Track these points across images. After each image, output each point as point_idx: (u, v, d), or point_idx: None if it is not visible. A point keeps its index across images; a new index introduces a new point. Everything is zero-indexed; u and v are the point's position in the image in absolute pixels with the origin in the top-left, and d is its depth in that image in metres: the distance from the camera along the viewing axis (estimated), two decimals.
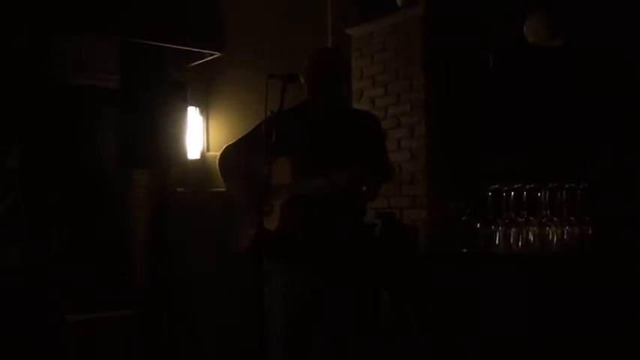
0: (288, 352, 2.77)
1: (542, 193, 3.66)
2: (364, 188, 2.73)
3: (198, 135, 5.21)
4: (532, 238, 3.66)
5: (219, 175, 2.99)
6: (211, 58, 5.06)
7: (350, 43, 4.50)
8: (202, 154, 5.16)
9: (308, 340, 2.79)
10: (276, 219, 2.71)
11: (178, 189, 4.76)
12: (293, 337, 2.78)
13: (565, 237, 3.63)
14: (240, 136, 3.01)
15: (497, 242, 3.71)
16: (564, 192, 3.65)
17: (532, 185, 3.67)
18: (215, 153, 4.96)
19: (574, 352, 3.21)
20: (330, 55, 2.97)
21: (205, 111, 5.36)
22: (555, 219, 3.64)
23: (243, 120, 4.62)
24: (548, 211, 3.65)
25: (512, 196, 3.67)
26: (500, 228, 3.69)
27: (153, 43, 4.63)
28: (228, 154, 2.99)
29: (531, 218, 3.67)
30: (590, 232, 3.61)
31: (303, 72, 2.85)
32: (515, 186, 3.67)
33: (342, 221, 2.76)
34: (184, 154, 4.25)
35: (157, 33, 4.66)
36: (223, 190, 3.05)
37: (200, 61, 5.13)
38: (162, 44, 4.68)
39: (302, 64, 2.86)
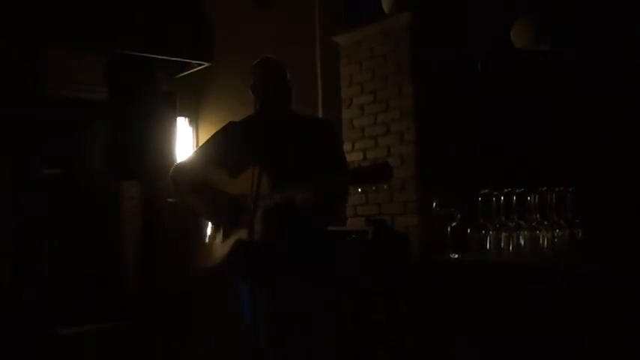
0: None
1: (532, 196, 3.68)
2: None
3: (188, 145, 5.21)
4: (523, 243, 3.67)
5: (174, 192, 2.96)
6: (200, 68, 5.05)
7: (338, 50, 4.52)
8: None
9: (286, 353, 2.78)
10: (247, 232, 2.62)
11: (169, 200, 4.75)
12: (273, 351, 2.77)
13: (556, 240, 3.64)
14: (192, 153, 3.02)
15: (488, 247, 3.72)
16: (554, 195, 3.66)
17: (522, 189, 3.68)
18: None
19: (567, 354, 3.21)
20: (273, 64, 2.90)
21: (195, 121, 5.35)
22: (546, 223, 3.65)
23: None
24: (538, 215, 3.67)
25: (502, 201, 3.68)
26: (490, 232, 3.70)
27: (141, 54, 4.61)
28: (180, 171, 2.94)
29: (522, 222, 3.68)
30: (580, 235, 3.63)
31: (250, 84, 2.85)
32: (505, 190, 3.68)
33: (302, 233, 2.74)
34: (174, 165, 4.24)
35: (144, 44, 4.65)
36: None
37: (188, 72, 5.12)
38: (151, 55, 4.67)
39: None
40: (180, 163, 2.98)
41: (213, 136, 2.95)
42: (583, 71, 4.27)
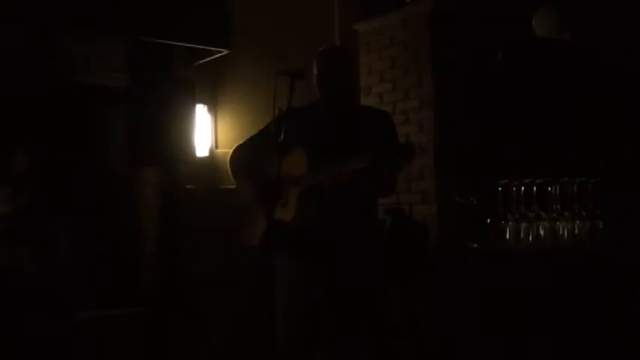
0: (297, 348, 2.76)
1: (553, 187, 3.65)
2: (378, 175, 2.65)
3: (207, 132, 5.21)
4: (543, 233, 3.65)
5: (230, 174, 2.99)
6: (219, 55, 5.04)
7: (358, 38, 4.49)
8: (211, 152, 5.16)
9: (317, 336, 2.78)
10: (292, 210, 2.70)
11: (187, 186, 4.76)
12: (302, 333, 2.77)
13: (576, 231, 3.61)
14: (250, 135, 3.01)
15: (507, 237, 3.69)
16: (575, 186, 3.63)
17: (542, 180, 3.65)
18: (224, 150, 4.96)
19: (583, 345, 3.19)
20: (337, 53, 2.96)
21: (213, 108, 5.35)
22: (566, 213, 3.62)
23: (252, 117, 4.61)
24: (558, 206, 3.64)
25: (522, 191, 3.65)
26: (510, 223, 3.68)
27: (160, 41, 4.61)
28: (238, 153, 2.99)
29: (542, 213, 3.65)
30: (601, 226, 3.59)
31: (312, 71, 2.85)
32: (526, 181, 3.66)
33: (352, 214, 2.74)
34: (193, 152, 4.25)
35: (164, 31, 4.65)
36: (232, 187, 3.04)
37: (207, 59, 5.11)
38: (170, 42, 4.67)
39: (310, 64, 2.85)
40: (236, 149, 3.00)
41: (271, 121, 2.94)
42: (606, 60, 4.21)
